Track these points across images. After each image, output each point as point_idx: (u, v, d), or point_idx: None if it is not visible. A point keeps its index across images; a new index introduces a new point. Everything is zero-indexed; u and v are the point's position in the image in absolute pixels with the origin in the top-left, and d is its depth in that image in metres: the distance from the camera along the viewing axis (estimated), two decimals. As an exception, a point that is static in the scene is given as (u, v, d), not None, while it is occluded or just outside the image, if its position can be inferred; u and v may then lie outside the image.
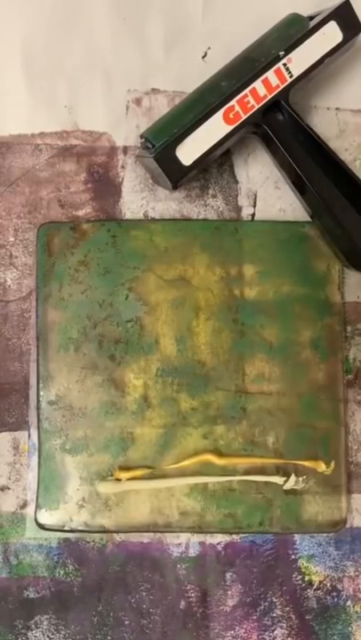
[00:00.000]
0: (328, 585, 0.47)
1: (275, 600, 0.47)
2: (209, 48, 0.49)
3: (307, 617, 0.47)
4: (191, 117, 0.43)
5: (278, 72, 0.44)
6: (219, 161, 0.48)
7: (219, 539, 0.47)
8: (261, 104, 0.44)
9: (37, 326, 0.47)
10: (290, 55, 0.44)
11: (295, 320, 0.47)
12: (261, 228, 0.48)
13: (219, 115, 0.43)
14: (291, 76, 0.44)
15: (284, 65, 0.44)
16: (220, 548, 0.47)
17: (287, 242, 0.48)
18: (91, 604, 0.46)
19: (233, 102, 0.44)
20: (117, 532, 0.46)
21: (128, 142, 0.49)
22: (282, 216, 0.49)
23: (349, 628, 0.47)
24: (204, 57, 0.49)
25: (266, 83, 0.44)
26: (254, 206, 0.49)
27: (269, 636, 0.47)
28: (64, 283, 0.47)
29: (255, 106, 0.44)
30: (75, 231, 0.48)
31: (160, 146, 0.43)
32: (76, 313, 0.47)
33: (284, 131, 0.46)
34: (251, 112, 0.44)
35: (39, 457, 0.46)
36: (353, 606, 0.47)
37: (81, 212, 0.48)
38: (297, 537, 0.47)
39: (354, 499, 0.48)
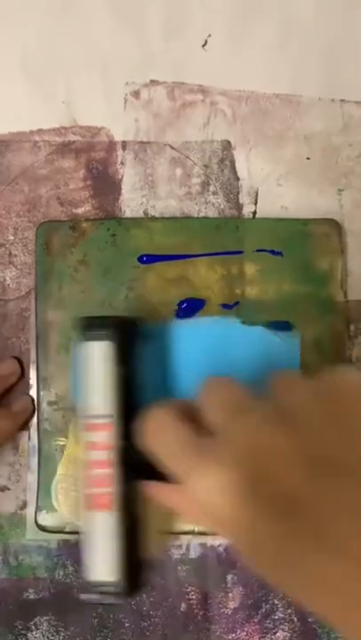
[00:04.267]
0: (331, 587, 0.47)
1: (276, 602, 0.46)
2: (209, 36, 0.48)
3: (309, 619, 0.46)
4: None
5: None
6: (220, 157, 0.48)
7: (220, 540, 0.47)
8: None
9: (37, 326, 0.47)
10: None
11: (297, 319, 0.47)
12: (263, 226, 0.47)
13: None
14: None
15: None
16: (221, 549, 0.47)
17: (289, 240, 0.47)
18: (90, 605, 0.46)
19: None
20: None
21: (127, 137, 0.48)
22: (284, 214, 0.48)
23: (352, 632, 0.46)
24: (204, 45, 0.48)
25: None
26: (256, 204, 0.48)
27: (271, 639, 0.46)
28: (63, 282, 0.47)
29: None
30: (74, 230, 0.47)
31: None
32: (75, 313, 0.47)
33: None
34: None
35: (39, 458, 0.46)
36: (356, 609, 0.47)
37: (80, 210, 0.48)
38: (300, 539, 0.47)
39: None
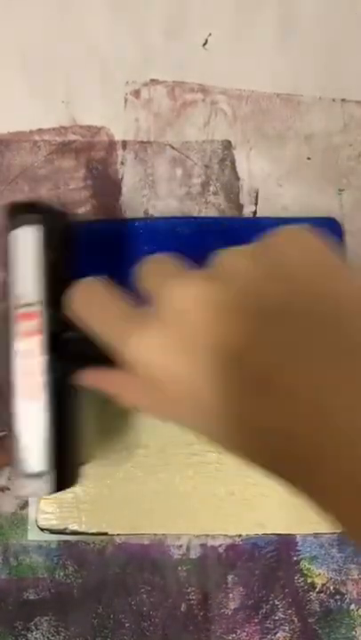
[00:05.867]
0: (331, 588, 0.46)
1: (277, 603, 0.46)
2: (210, 35, 0.48)
3: (309, 620, 0.46)
4: None
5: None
6: (220, 157, 0.47)
7: (220, 541, 0.47)
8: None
9: (36, 326, 0.46)
10: None
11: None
12: (263, 226, 0.47)
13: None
14: None
15: None
16: (221, 550, 0.46)
17: (289, 240, 0.46)
18: (91, 605, 0.46)
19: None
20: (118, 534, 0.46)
21: (127, 136, 0.48)
22: (284, 213, 0.47)
23: (353, 632, 0.46)
24: (204, 44, 0.48)
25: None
26: (256, 204, 0.48)
27: (271, 640, 0.46)
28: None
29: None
30: (73, 230, 0.46)
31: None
32: (75, 313, 0.46)
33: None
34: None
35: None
36: (357, 610, 0.46)
37: (81, 211, 0.48)
38: (299, 538, 0.47)
39: (358, 500, 0.47)
